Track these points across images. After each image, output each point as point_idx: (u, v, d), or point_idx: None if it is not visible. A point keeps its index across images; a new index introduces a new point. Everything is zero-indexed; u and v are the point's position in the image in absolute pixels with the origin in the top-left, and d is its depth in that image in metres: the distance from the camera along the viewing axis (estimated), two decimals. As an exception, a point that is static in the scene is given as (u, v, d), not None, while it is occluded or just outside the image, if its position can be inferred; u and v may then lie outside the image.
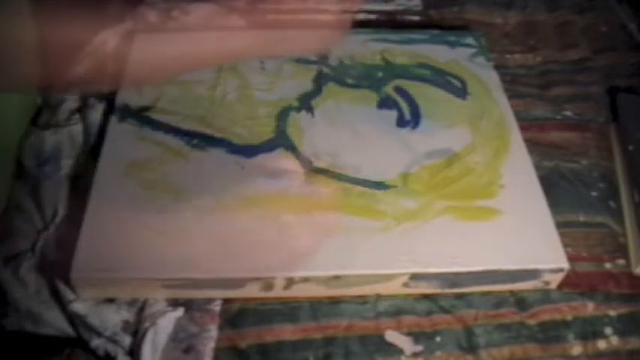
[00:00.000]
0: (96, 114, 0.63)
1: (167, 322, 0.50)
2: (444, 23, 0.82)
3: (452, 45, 0.73)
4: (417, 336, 0.51)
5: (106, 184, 0.55)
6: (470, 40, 0.74)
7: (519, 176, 0.59)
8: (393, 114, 0.64)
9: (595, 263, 0.57)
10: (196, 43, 0.48)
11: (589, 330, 0.53)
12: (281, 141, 0.60)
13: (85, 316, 0.49)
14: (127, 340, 0.49)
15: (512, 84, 0.73)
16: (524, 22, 0.84)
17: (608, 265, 0.58)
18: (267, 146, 0.59)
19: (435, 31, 0.76)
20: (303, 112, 0.63)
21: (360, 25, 0.81)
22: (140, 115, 0.61)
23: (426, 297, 0.53)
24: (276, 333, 0.50)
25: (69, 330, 0.50)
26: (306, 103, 0.64)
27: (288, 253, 0.51)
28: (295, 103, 0.64)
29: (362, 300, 0.53)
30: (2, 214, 0.56)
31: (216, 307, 0.52)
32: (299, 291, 0.52)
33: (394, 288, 0.53)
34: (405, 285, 0.52)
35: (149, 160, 0.57)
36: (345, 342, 0.50)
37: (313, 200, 0.55)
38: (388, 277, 0.52)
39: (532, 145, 0.64)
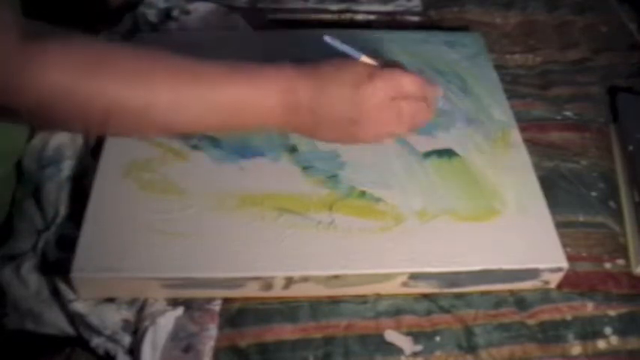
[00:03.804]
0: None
1: (167, 321, 0.50)
2: (443, 24, 0.82)
3: (452, 45, 0.73)
4: (416, 336, 0.51)
5: (106, 184, 0.55)
6: (470, 40, 0.74)
7: (519, 176, 0.59)
8: (392, 114, 0.64)
9: (595, 263, 0.57)
10: None
11: (589, 330, 0.53)
12: (281, 141, 0.60)
13: (85, 315, 0.49)
14: (126, 340, 0.49)
15: (512, 84, 0.73)
16: (524, 22, 0.84)
17: (607, 265, 0.58)
18: (267, 146, 0.60)
19: (435, 32, 0.76)
20: None
21: (360, 25, 0.81)
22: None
23: (425, 297, 0.54)
24: (275, 332, 0.51)
25: (69, 329, 0.50)
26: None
27: None
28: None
29: (361, 300, 0.53)
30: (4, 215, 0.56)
31: (216, 306, 0.52)
32: (299, 291, 0.52)
33: (393, 288, 0.53)
34: (405, 285, 0.53)
35: (149, 160, 0.57)
36: (345, 342, 0.50)
37: (313, 200, 0.55)
38: (387, 277, 0.52)
39: (532, 145, 0.64)
